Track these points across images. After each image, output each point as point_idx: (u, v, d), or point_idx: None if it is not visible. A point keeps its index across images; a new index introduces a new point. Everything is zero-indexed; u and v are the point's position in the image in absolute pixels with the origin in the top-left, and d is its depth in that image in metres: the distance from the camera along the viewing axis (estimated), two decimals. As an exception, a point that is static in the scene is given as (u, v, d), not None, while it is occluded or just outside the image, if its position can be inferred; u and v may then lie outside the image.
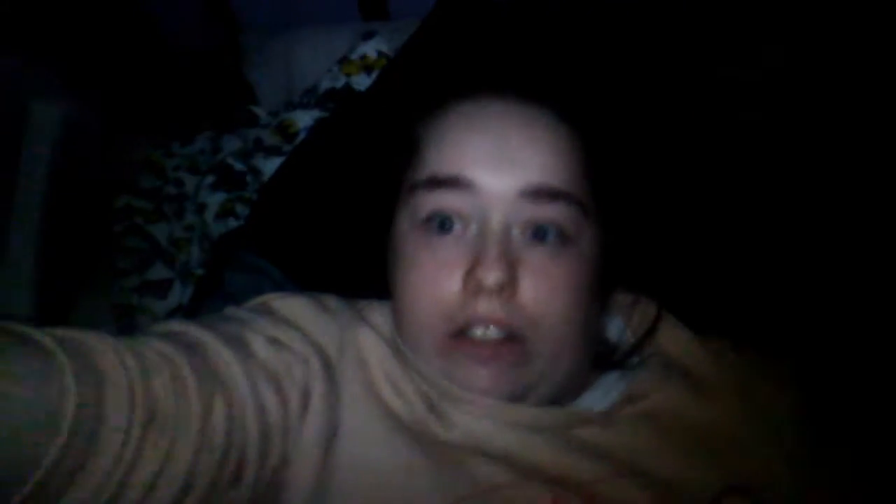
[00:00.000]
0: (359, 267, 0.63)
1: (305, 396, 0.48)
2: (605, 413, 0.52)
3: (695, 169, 0.71)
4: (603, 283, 0.55)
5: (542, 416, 0.50)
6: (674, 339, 0.57)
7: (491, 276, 0.47)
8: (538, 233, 0.50)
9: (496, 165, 0.50)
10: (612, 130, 0.59)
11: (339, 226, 0.73)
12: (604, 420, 0.51)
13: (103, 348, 0.38)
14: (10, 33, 0.87)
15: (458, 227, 0.51)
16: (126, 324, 0.86)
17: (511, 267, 0.48)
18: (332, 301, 0.57)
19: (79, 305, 0.91)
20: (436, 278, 0.50)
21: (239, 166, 0.90)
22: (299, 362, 0.49)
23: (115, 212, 0.95)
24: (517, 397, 0.49)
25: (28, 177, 0.93)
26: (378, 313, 0.57)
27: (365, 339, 0.53)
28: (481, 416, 0.49)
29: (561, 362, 0.50)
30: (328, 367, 0.51)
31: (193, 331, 0.46)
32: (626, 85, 0.71)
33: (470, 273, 0.48)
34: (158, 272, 0.89)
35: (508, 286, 0.48)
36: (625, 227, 0.57)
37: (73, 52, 0.97)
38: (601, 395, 0.55)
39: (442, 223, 0.51)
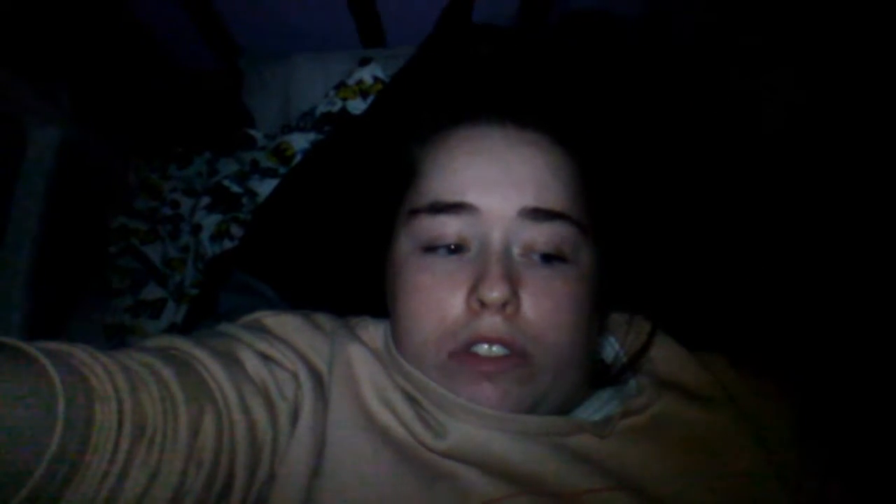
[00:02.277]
0: (351, 287, 0.64)
1: (295, 412, 0.48)
2: (600, 424, 0.52)
3: (692, 188, 0.72)
4: (602, 301, 0.56)
5: (537, 422, 0.50)
6: (668, 356, 0.58)
7: (494, 293, 0.48)
8: (538, 252, 0.51)
9: (496, 188, 0.51)
10: (610, 152, 0.60)
11: (332, 247, 0.73)
12: (598, 430, 0.51)
13: (92, 362, 0.38)
14: (10, 57, 0.88)
15: (462, 249, 0.52)
16: (117, 343, 0.86)
17: (513, 284, 0.49)
18: (323, 319, 0.57)
19: (71, 325, 0.91)
20: (438, 299, 0.50)
21: (235, 188, 0.91)
22: (290, 378, 0.49)
23: (111, 232, 0.95)
24: (524, 412, 0.49)
25: (24, 200, 0.94)
26: (370, 329, 0.58)
27: (355, 355, 0.53)
28: (474, 425, 0.49)
29: (565, 378, 0.51)
30: (318, 384, 0.51)
31: (183, 345, 0.46)
32: (624, 107, 0.72)
33: (473, 292, 0.49)
34: (152, 292, 0.89)
35: (511, 303, 0.49)
36: (623, 245, 0.57)
37: (72, 76, 0.98)
38: (594, 410, 0.55)
39: (445, 246, 0.52)
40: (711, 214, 0.71)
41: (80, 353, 0.38)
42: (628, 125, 0.69)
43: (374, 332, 0.58)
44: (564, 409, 0.54)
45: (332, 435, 0.49)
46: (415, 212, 0.53)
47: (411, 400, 0.51)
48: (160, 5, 1.00)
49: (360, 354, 0.53)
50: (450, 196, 0.52)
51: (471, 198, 0.51)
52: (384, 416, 0.50)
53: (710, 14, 0.80)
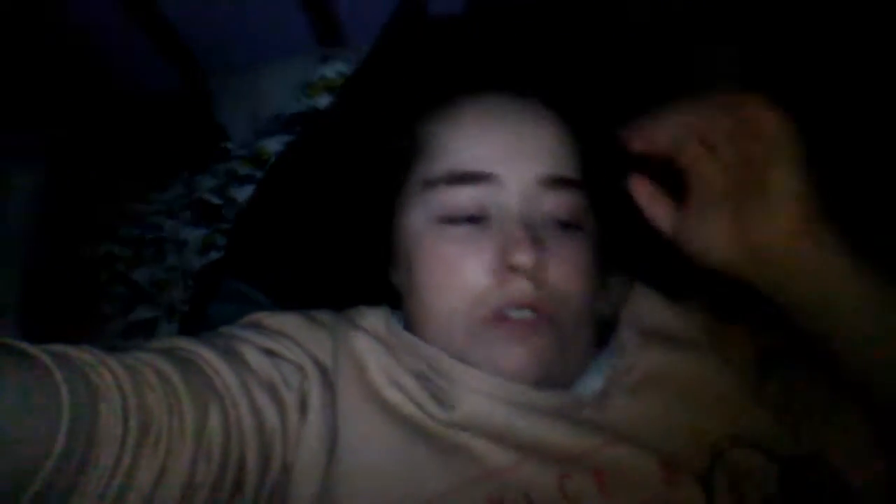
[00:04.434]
0: (341, 278, 0.64)
1: (303, 402, 0.49)
2: (599, 394, 0.52)
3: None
4: (603, 264, 0.57)
5: (543, 399, 0.50)
6: (645, 304, 0.59)
7: (525, 257, 0.49)
8: (556, 219, 0.53)
9: (514, 158, 0.53)
10: (600, 124, 0.61)
11: (317, 239, 0.74)
12: (598, 402, 0.51)
13: (96, 363, 0.38)
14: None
15: (482, 218, 0.53)
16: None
17: (541, 250, 0.50)
18: (321, 314, 0.57)
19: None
20: (464, 267, 0.52)
21: (215, 200, 0.92)
22: (295, 369, 0.50)
23: (97, 260, 0.95)
24: (540, 377, 0.50)
25: (10, 246, 0.93)
26: (369, 317, 0.58)
27: (360, 343, 0.53)
28: (483, 396, 0.49)
29: (579, 341, 0.53)
30: (324, 374, 0.51)
31: (186, 345, 0.47)
32: (613, 81, 0.74)
33: (500, 259, 0.50)
34: (143, 313, 0.89)
35: (541, 268, 0.50)
36: (613, 212, 0.58)
37: (48, 119, 0.98)
38: (592, 376, 0.55)
39: (465, 216, 0.53)
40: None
41: (83, 354, 0.39)
42: (621, 97, 0.70)
43: (373, 318, 0.58)
44: (571, 377, 0.54)
45: (343, 422, 0.49)
46: (430, 183, 0.54)
47: (419, 377, 0.52)
48: (123, 36, 1.01)
49: (365, 341, 0.54)
50: (468, 166, 0.53)
51: (490, 167, 0.53)
52: (394, 396, 0.51)
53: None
